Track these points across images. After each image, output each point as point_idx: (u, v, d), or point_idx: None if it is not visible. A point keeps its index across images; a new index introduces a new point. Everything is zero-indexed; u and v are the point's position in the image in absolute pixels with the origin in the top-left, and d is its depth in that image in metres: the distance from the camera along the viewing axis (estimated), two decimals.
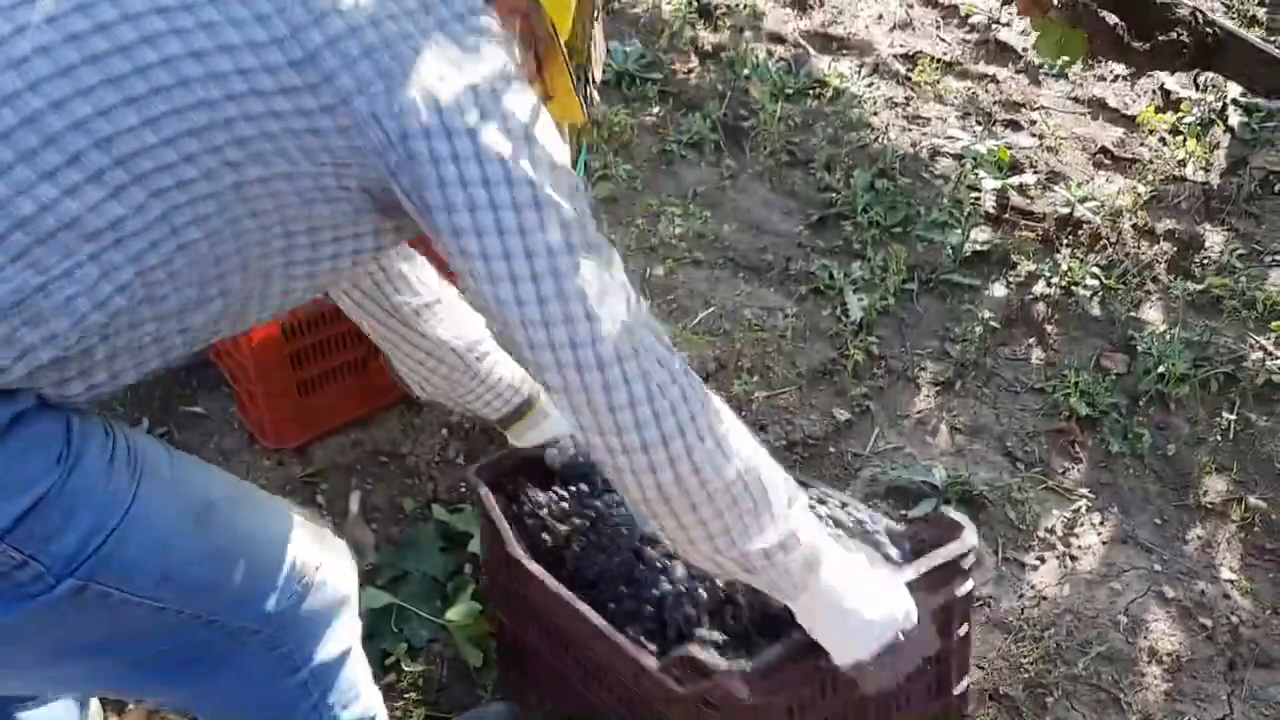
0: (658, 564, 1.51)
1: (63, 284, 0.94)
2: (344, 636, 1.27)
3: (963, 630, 1.53)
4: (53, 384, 0.99)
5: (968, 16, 3.56)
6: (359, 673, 1.32)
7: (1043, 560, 2.08)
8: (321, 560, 1.22)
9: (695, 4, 3.46)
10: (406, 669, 1.79)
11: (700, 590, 1.46)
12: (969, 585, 1.49)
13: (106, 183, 0.94)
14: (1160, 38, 1.94)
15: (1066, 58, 1.82)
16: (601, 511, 1.59)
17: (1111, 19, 1.92)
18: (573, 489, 1.65)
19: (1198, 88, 3.25)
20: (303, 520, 1.24)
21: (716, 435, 1.09)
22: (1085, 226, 2.79)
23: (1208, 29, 1.96)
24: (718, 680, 1.30)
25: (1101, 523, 2.16)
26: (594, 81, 1.75)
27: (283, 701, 1.24)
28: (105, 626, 1.06)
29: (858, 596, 1.23)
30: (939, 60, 3.36)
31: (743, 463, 1.11)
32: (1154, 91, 3.30)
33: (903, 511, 2.13)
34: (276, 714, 1.24)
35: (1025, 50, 3.42)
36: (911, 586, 1.32)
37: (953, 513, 1.54)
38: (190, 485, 1.13)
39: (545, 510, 1.63)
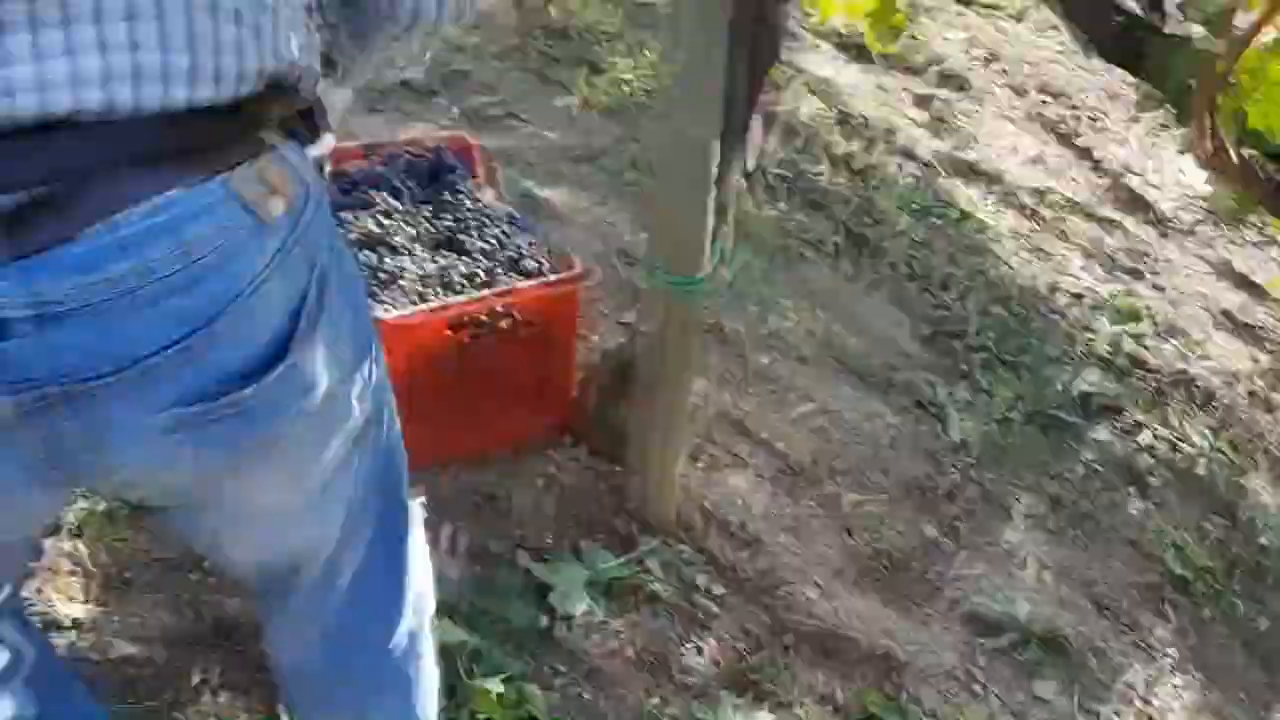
0: None
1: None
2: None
3: None
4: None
5: (1101, 162, 3.58)
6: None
7: (1119, 715, 2.03)
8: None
9: (835, 112, 3.53)
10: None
11: None
12: None
13: None
14: None
15: (1238, 210, 1.84)
16: None
17: None
18: None
19: None
20: None
21: None
22: (1199, 386, 2.76)
23: None
24: None
25: (1184, 687, 2.10)
26: (747, 168, 1.80)
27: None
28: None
29: None
30: (1068, 199, 3.37)
31: None
32: None
33: (981, 640, 2.10)
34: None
35: (1155, 202, 3.42)
36: None
37: None
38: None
39: None
